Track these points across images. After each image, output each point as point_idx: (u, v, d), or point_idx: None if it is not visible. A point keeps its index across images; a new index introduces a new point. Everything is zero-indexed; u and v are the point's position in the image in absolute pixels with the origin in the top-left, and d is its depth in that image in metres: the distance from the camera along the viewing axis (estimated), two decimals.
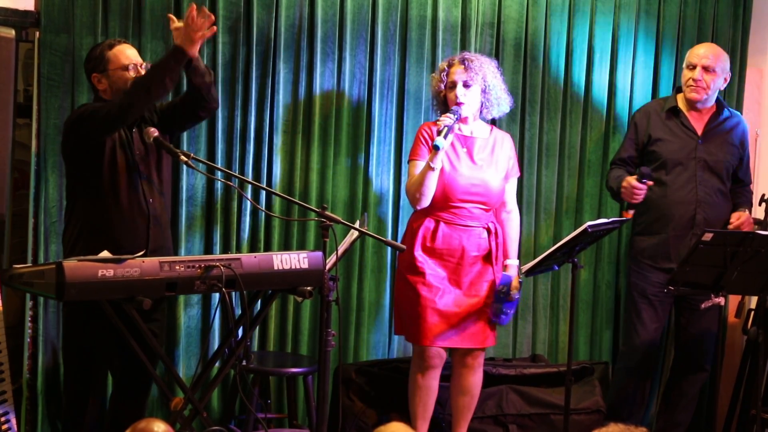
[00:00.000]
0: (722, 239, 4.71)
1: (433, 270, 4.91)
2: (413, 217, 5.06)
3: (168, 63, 4.30)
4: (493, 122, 5.64)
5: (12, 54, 4.86)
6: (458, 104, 4.90)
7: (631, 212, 5.31)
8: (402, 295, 5.01)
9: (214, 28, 4.31)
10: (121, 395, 4.61)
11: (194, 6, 4.25)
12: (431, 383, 5.01)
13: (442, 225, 4.92)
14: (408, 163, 5.03)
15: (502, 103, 5.06)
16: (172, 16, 4.40)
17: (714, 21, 5.98)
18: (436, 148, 4.76)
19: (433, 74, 5.12)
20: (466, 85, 4.92)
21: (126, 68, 4.44)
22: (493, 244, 4.99)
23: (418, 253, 4.91)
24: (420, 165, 4.90)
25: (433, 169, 4.82)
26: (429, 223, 4.94)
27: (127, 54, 4.47)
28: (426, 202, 4.89)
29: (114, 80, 4.45)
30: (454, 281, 4.93)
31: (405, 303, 4.97)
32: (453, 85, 4.94)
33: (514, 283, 4.99)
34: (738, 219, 5.36)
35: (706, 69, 5.33)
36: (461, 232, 4.93)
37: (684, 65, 5.44)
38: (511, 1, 5.66)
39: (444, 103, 5.00)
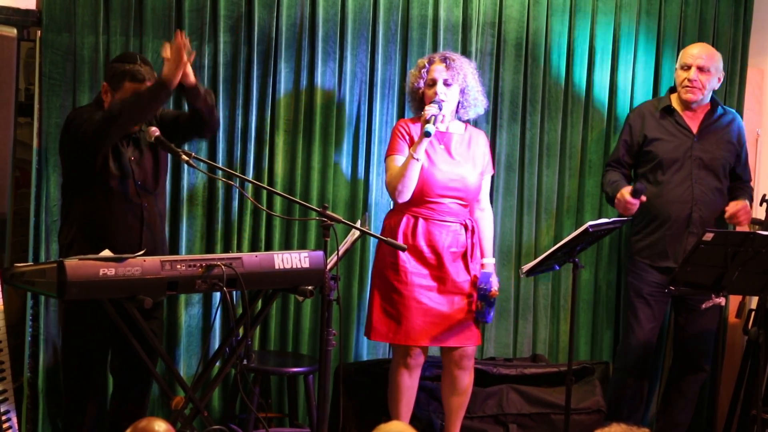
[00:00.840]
0: (723, 239, 4.71)
1: (415, 269, 4.89)
2: (389, 214, 5.03)
3: (152, 93, 4.27)
4: (494, 120, 5.67)
5: (14, 53, 4.86)
6: (440, 101, 4.88)
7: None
8: (383, 295, 4.94)
9: (191, 56, 4.25)
10: (121, 395, 4.61)
11: (181, 38, 4.22)
12: (416, 382, 5.02)
13: (421, 221, 4.90)
14: (386, 158, 4.99)
15: (479, 105, 5.05)
16: (167, 44, 4.31)
17: (715, 21, 5.98)
18: (427, 134, 4.74)
19: (412, 70, 5.08)
20: (446, 84, 4.91)
21: None
22: (470, 241, 4.98)
23: (400, 252, 4.85)
24: (399, 159, 4.88)
25: (416, 159, 4.80)
26: (408, 220, 4.91)
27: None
28: (408, 195, 4.85)
29: None
30: (436, 278, 4.91)
31: (387, 304, 4.92)
32: (433, 83, 4.91)
33: (494, 281, 5.00)
34: (735, 206, 5.34)
35: (700, 69, 5.34)
36: (441, 227, 4.91)
37: (677, 65, 5.44)
38: (512, 0, 5.66)
39: (420, 100, 4.97)
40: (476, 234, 5.02)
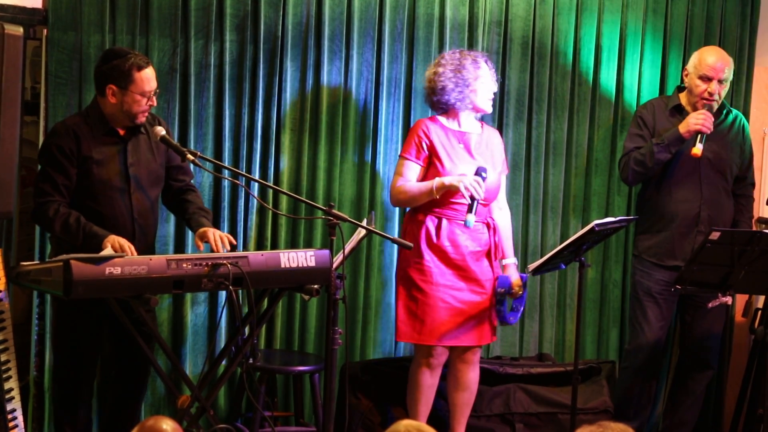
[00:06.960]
0: (730, 238, 4.70)
1: (440, 268, 4.90)
2: (413, 215, 5.01)
3: (85, 240, 4.26)
4: (500, 119, 5.66)
5: (19, 51, 4.85)
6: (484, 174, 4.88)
7: (701, 147, 5.15)
8: (408, 295, 4.95)
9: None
10: (116, 399, 4.63)
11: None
12: (436, 381, 5.03)
13: (444, 222, 4.91)
14: (399, 158, 4.99)
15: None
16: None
17: (722, 20, 5.96)
18: (467, 225, 4.82)
19: (458, 74, 4.90)
20: None
21: (145, 95, 4.38)
22: (492, 240, 5.00)
23: (425, 252, 4.90)
24: (413, 167, 4.91)
25: (436, 197, 4.83)
26: (431, 221, 4.91)
27: (151, 82, 4.40)
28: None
29: (128, 101, 4.38)
30: (461, 277, 4.93)
31: (412, 304, 4.93)
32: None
33: (517, 281, 5.02)
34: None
35: (720, 81, 5.28)
36: (464, 228, 4.92)
37: (694, 73, 5.29)
38: None
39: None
40: (497, 232, 5.03)
